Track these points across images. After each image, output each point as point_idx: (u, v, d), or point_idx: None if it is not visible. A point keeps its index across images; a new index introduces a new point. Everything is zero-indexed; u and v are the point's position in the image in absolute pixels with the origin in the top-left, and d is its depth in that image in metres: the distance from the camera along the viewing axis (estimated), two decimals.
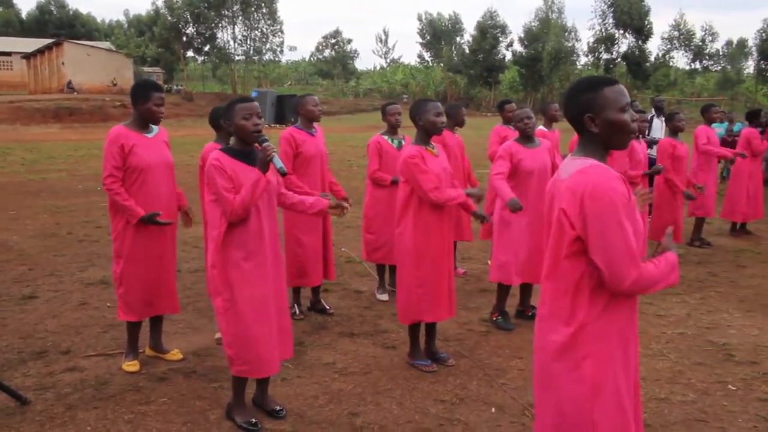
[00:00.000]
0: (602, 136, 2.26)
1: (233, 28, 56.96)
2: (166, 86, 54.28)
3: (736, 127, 14.05)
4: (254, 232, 3.49)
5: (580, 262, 2.22)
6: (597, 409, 2.24)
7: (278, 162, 3.45)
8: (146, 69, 56.65)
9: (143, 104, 4.21)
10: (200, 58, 62.29)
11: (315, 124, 5.53)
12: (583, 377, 2.24)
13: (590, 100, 2.24)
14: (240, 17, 56.38)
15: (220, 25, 56.68)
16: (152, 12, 60.59)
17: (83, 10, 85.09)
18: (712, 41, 56.55)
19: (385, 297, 6.10)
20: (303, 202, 3.86)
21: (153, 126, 4.39)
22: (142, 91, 4.23)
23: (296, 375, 4.38)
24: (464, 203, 4.45)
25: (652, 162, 7.63)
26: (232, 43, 57.26)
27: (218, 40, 57.40)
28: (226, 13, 55.93)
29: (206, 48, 58.10)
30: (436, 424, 3.74)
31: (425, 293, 4.35)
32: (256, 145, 3.52)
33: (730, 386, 4.27)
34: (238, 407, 3.72)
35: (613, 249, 2.12)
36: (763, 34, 49.15)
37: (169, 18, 55.48)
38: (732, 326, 5.45)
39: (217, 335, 4.87)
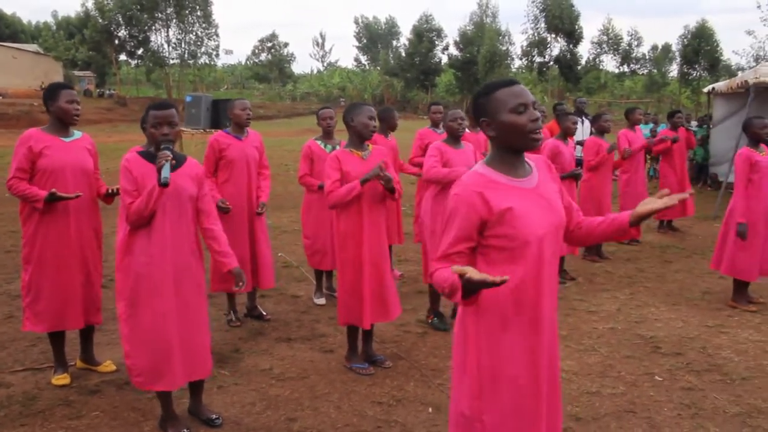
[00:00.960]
0: (500, 139, 2.28)
1: (167, 31, 55.63)
2: (98, 90, 52.78)
3: (661, 127, 14.69)
4: (156, 239, 3.42)
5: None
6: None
7: (165, 171, 3.30)
8: (77, 73, 54.94)
9: (54, 104, 4.10)
10: (133, 62, 60.68)
11: (251, 130, 5.48)
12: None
13: (484, 104, 2.28)
14: (174, 20, 55.09)
15: (153, 27, 55.27)
16: (82, 14, 58.71)
17: (7, 11, 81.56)
18: (638, 46, 58.84)
19: (322, 301, 6.09)
20: (219, 254, 3.73)
21: (75, 132, 4.27)
22: (51, 92, 4.13)
23: (233, 382, 4.33)
24: (359, 189, 4.21)
25: (579, 162, 7.82)
26: (166, 46, 55.90)
27: (152, 44, 55.96)
28: (160, 15, 54.58)
29: (139, 51, 56.58)
30: (373, 426, 3.76)
31: (349, 298, 4.38)
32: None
33: (656, 377, 4.43)
34: (169, 419, 3.65)
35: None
36: (685, 40, 51.15)
37: (100, 20, 53.85)
38: (659, 320, 5.66)
39: None
